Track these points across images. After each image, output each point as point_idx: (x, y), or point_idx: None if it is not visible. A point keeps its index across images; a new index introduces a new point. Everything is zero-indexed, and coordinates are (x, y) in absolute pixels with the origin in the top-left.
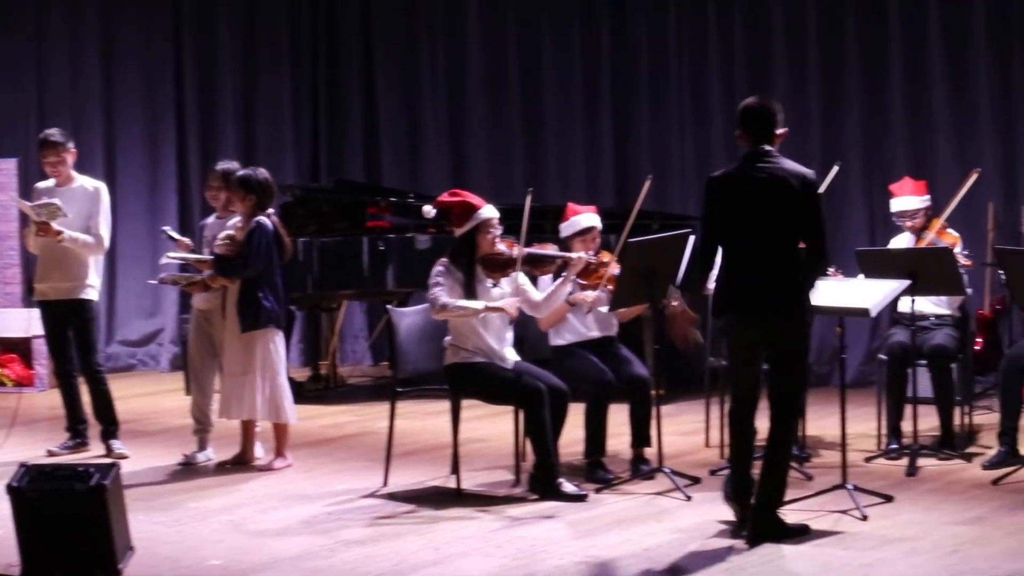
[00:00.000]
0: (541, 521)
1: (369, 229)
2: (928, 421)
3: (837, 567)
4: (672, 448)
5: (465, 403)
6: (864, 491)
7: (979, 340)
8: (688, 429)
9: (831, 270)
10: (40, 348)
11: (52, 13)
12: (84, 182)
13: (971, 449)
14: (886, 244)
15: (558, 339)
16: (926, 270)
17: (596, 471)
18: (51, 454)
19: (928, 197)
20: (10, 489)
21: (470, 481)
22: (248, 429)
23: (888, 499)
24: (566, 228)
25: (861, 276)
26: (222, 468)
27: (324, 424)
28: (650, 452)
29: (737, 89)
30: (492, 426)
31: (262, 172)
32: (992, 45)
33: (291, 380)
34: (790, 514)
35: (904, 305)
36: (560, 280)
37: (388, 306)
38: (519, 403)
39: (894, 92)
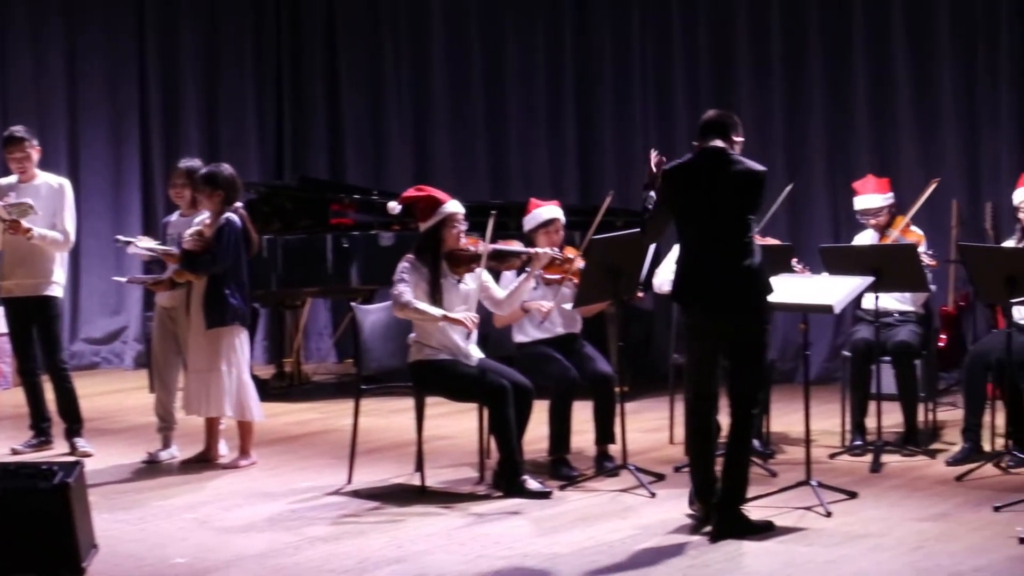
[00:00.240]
0: (505, 518)
1: (333, 226)
2: (892, 417)
3: (801, 563)
4: (636, 445)
5: (429, 400)
6: (828, 487)
7: (943, 336)
8: (652, 426)
9: (797, 266)
10: (4, 346)
11: (15, 11)
12: (48, 179)
13: (935, 445)
14: (850, 241)
15: (522, 336)
16: (890, 267)
17: (560, 468)
18: (15, 452)
19: (891, 195)
20: None
21: (434, 478)
22: (212, 426)
23: (852, 495)
24: (529, 221)
25: (825, 273)
26: (186, 466)
27: (288, 422)
28: (614, 449)
29: (701, 88)
30: (456, 423)
31: (226, 167)
32: (955, 45)
33: (255, 378)
34: (754, 510)
35: (868, 302)
36: (524, 276)
37: (352, 303)
38: (483, 400)
39: (858, 92)
